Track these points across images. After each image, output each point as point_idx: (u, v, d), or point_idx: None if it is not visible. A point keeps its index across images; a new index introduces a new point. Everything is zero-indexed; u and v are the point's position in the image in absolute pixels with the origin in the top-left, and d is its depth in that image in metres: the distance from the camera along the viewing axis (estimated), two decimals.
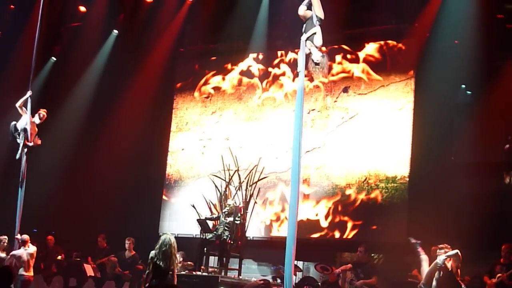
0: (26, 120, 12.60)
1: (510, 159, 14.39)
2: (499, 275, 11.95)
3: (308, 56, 9.30)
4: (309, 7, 9.49)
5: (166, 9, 17.86)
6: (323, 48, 10.06)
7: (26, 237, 12.64)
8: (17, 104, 12.64)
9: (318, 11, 9.42)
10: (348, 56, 16.21)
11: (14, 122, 12.65)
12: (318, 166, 15.94)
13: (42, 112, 12.99)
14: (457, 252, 10.48)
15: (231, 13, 17.11)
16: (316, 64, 9.25)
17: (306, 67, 9.28)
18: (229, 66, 17.76)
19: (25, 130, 12.50)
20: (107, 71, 18.03)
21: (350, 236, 15.29)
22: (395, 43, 15.78)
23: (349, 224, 15.37)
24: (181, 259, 11.95)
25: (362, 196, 15.34)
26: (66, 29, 19.03)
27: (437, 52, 14.79)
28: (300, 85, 9.37)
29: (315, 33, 9.35)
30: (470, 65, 14.10)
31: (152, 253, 9.28)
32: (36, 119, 12.92)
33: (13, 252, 12.62)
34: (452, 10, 14.62)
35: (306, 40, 9.34)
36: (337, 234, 15.51)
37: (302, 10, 9.57)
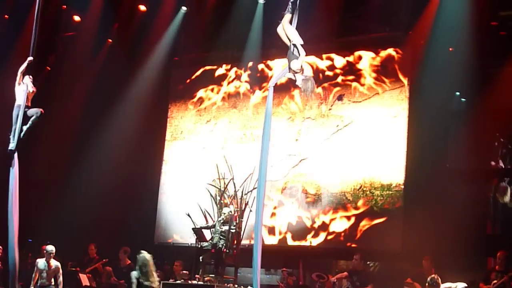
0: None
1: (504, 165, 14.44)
2: (494, 281, 11.98)
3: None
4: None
5: (160, 18, 17.87)
6: (309, 72, 9.92)
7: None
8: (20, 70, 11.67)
9: (296, 39, 9.13)
10: (342, 64, 16.23)
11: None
12: (312, 174, 15.93)
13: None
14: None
15: (225, 22, 17.14)
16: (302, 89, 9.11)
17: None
18: (223, 74, 17.77)
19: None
20: (101, 80, 18.01)
21: (345, 244, 15.28)
22: (389, 51, 15.79)
23: (344, 232, 15.36)
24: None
25: (357, 204, 15.33)
26: (60, 39, 19.01)
27: (432, 60, 14.81)
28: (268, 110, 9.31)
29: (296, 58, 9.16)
30: (465, 72, 14.13)
31: (135, 273, 10.01)
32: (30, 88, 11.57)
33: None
34: (446, 17, 14.64)
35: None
36: (332, 242, 15.49)
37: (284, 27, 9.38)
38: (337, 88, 16.12)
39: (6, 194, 11.09)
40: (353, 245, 15.09)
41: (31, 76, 11.43)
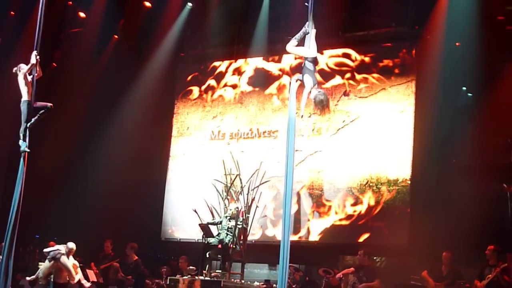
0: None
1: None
2: (488, 276, 12.00)
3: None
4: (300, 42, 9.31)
5: (166, 14, 17.86)
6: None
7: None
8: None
9: (308, 53, 9.17)
10: (348, 59, 16.22)
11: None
12: (319, 170, 15.93)
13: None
14: None
15: (231, 17, 17.13)
16: (317, 103, 9.06)
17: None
18: (229, 70, 17.78)
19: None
20: (107, 76, 18.02)
21: (351, 240, 15.28)
22: (395, 46, 15.78)
23: (351, 228, 15.36)
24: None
25: (363, 199, 15.33)
26: (66, 35, 19.02)
27: (438, 55, 14.78)
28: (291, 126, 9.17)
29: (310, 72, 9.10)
30: (471, 67, 14.11)
31: None
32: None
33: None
34: (453, 12, 14.60)
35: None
36: (338, 238, 15.50)
37: (292, 47, 9.37)
38: (344, 84, 16.10)
39: (11, 192, 11.06)
40: (359, 241, 15.09)
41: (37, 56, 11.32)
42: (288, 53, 16.11)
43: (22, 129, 10.52)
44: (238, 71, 17.69)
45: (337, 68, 16.26)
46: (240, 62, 17.71)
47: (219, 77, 17.89)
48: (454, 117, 14.87)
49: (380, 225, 15.02)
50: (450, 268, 12.88)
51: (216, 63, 18.04)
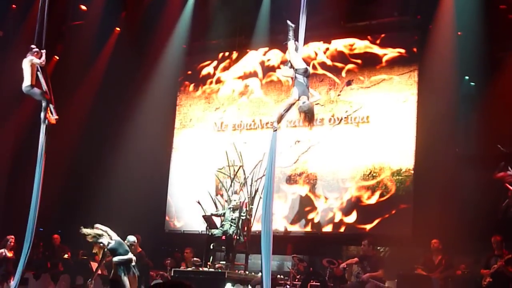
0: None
1: None
2: (494, 266, 12.04)
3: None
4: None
5: (168, 6, 17.83)
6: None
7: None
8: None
9: (299, 64, 9.45)
10: (351, 49, 16.19)
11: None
12: (322, 160, 15.92)
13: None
14: None
15: (233, 9, 17.11)
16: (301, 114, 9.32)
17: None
18: (231, 61, 17.76)
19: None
20: (109, 69, 18.01)
21: (356, 229, 15.28)
22: (398, 35, 15.76)
23: (354, 218, 15.37)
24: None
25: (366, 189, 15.33)
26: (68, 28, 19.00)
27: (440, 44, 14.77)
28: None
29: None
30: (474, 57, 14.09)
31: None
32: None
33: None
34: (455, 1, 14.59)
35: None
36: (342, 227, 15.51)
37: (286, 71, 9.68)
38: (346, 74, 16.09)
39: (20, 184, 11.17)
40: (363, 231, 15.09)
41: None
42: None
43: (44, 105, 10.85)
44: (240, 63, 17.65)
45: (339, 58, 16.24)
46: (242, 54, 17.67)
47: (221, 68, 17.86)
48: (456, 106, 14.84)
49: (383, 215, 15.02)
50: (441, 257, 12.98)
51: (218, 55, 18.01)
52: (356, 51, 16.13)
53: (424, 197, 14.51)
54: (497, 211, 13.43)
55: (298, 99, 9.38)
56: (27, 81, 11.26)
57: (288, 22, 9.70)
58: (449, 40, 14.61)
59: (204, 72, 18.11)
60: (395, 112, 15.33)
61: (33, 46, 11.37)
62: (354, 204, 15.41)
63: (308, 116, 9.42)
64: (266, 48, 17.29)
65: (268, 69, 17.20)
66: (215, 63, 18.01)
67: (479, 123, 14.35)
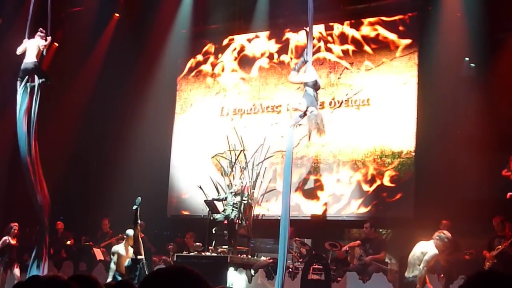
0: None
1: None
2: (498, 247, 12.03)
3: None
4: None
5: None
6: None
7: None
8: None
9: (308, 79, 9.96)
10: (350, 32, 16.16)
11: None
12: (323, 144, 15.90)
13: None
14: None
15: None
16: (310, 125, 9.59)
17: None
18: (231, 46, 17.72)
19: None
20: (109, 55, 17.98)
21: (358, 212, 15.31)
22: (397, 17, 15.72)
23: (356, 200, 15.39)
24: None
25: (368, 172, 15.34)
26: (67, 15, 18.95)
27: (440, 25, 14.73)
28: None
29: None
30: (474, 38, 14.05)
31: None
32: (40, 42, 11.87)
33: None
34: None
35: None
36: (344, 211, 15.52)
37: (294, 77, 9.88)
38: (346, 57, 16.06)
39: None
40: (364, 213, 15.12)
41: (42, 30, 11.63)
42: (290, 30, 16.25)
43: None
44: (239, 47, 17.62)
45: (339, 41, 16.20)
46: (241, 38, 17.63)
47: (221, 53, 17.82)
48: (457, 88, 14.81)
49: (385, 197, 15.03)
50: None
51: (218, 39, 17.96)
52: (355, 34, 16.09)
53: (425, 178, 14.52)
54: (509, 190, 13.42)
55: (306, 110, 9.68)
56: (33, 58, 11.50)
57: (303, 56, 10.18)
58: (449, 21, 14.58)
59: (204, 56, 18.07)
60: (396, 95, 15.32)
61: (41, 29, 11.64)
62: (356, 187, 15.42)
63: (318, 125, 9.74)
64: (266, 32, 17.25)
65: (267, 53, 17.16)
66: (214, 47, 17.96)
67: (479, 104, 14.32)
